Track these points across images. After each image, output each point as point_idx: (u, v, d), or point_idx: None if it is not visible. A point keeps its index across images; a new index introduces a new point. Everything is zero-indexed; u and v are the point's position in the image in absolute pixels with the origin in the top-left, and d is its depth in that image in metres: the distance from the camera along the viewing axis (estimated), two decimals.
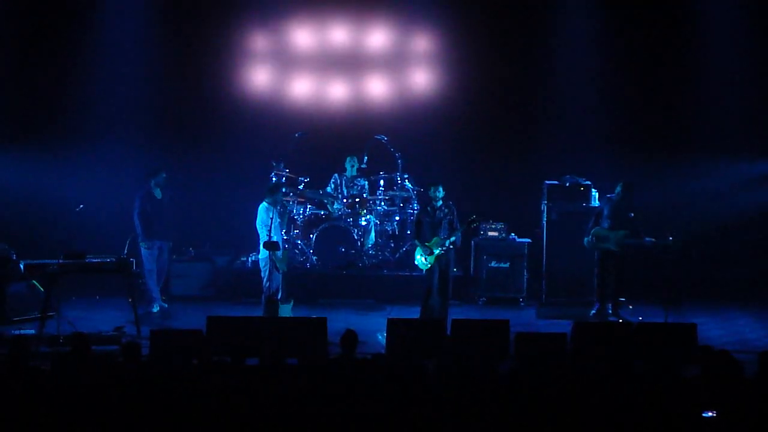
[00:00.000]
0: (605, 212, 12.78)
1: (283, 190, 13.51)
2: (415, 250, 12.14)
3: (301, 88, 15.46)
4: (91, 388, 7.37)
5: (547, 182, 14.05)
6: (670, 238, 12.41)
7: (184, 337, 9.99)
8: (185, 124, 15.22)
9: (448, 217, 11.93)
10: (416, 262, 12.07)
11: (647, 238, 12.52)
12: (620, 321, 12.38)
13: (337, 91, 15.49)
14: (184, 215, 14.05)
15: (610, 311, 12.72)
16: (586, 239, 12.81)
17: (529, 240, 14.19)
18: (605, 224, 12.72)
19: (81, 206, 12.63)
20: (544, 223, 13.97)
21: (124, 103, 14.89)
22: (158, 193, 13.28)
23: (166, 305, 13.41)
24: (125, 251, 11.99)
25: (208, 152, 15.00)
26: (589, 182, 13.92)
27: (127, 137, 14.90)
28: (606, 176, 13.63)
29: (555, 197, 13.95)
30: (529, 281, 14.06)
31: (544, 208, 13.99)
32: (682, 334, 10.16)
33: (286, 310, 11.89)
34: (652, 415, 7.05)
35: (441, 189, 11.93)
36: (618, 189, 12.76)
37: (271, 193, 11.96)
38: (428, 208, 12.03)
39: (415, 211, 13.75)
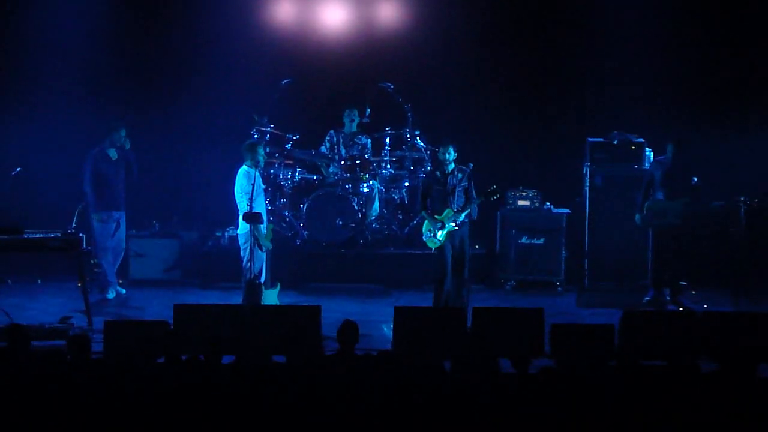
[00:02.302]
0: (657, 179, 12.71)
1: (267, 149, 13.46)
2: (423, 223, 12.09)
3: (287, 20, 15.30)
4: (32, 391, 7.34)
5: (591, 139, 14.00)
6: (743, 199, 12.36)
7: (147, 329, 10.02)
8: (146, 70, 15.19)
9: (463, 183, 11.83)
10: (424, 239, 12.02)
11: (714, 202, 12.47)
12: (681, 309, 12.38)
13: (334, 25, 15.33)
14: (146, 181, 14.02)
15: (669, 298, 12.69)
16: (637, 215, 12.77)
17: (568, 211, 14.16)
18: (659, 194, 12.66)
19: (18, 169, 12.59)
20: (587, 189, 13.92)
21: (73, 46, 14.84)
22: (114, 154, 13.23)
23: (124, 291, 13.46)
24: (73, 224, 11.97)
25: (174, 105, 14.96)
26: (641, 139, 13.87)
27: (76, 86, 14.92)
28: (663, 132, 13.55)
29: (600, 158, 13.90)
30: (568, 261, 14.06)
31: (586, 171, 13.94)
32: (759, 326, 10.14)
33: (271, 297, 11.91)
34: (722, 425, 7.01)
35: (452, 150, 11.80)
36: (669, 149, 12.69)
37: (250, 151, 11.88)
38: (437, 173, 11.94)
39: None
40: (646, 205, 12.74)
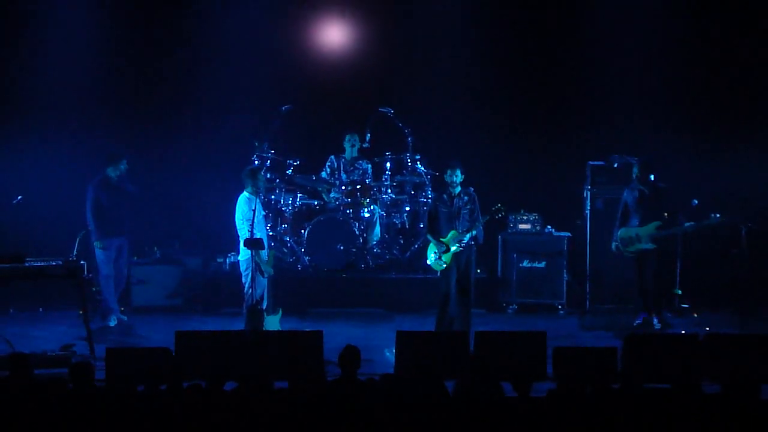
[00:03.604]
0: (631, 206, 12.69)
1: (267, 175, 13.46)
2: (428, 246, 12.07)
3: (287, 46, 15.31)
4: (34, 420, 7.32)
5: (591, 163, 14.02)
6: (717, 216, 12.31)
7: (148, 356, 9.99)
8: (146, 97, 15.19)
9: (469, 206, 11.86)
10: (429, 262, 12.02)
11: (686, 223, 12.45)
12: (683, 332, 12.34)
13: (333, 50, 15.34)
14: (147, 208, 14.01)
15: (656, 321, 12.65)
16: (612, 243, 12.78)
17: (569, 234, 14.14)
18: (634, 221, 12.65)
19: (19, 198, 12.58)
20: (588, 213, 13.92)
21: (73, 72, 14.86)
22: (116, 181, 13.22)
23: (126, 318, 13.42)
24: (75, 252, 11.95)
25: (175, 131, 14.97)
26: None
27: (76, 112, 14.93)
28: (663, 155, 13.54)
29: (600, 181, 13.92)
30: (570, 284, 14.05)
31: (587, 194, 13.94)
32: (762, 348, 10.11)
33: (272, 323, 11.88)
34: None
35: (459, 172, 11.84)
36: (635, 171, 12.70)
37: (251, 178, 11.89)
38: (444, 196, 11.96)
39: (429, 200, 13.69)
40: (618, 234, 12.74)
